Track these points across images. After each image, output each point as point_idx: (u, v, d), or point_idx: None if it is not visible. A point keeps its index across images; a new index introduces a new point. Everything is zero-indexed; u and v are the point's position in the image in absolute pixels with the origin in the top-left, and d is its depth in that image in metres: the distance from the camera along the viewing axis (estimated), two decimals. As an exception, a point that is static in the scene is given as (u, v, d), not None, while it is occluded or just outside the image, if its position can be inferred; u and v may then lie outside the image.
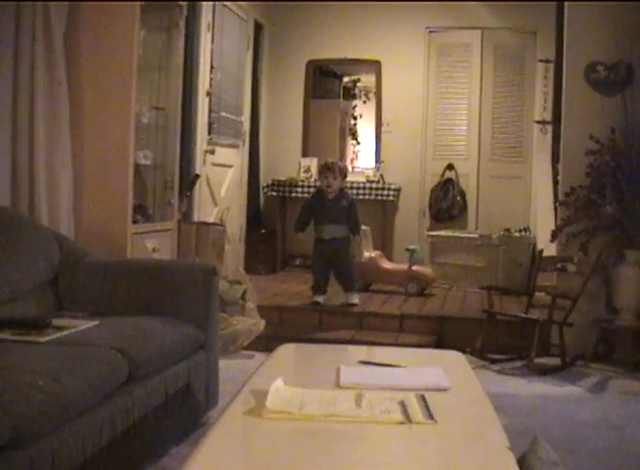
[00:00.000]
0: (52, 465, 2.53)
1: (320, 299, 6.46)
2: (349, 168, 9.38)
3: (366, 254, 7.15)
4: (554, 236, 6.04)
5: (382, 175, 8.69)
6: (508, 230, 7.88)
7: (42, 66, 4.74)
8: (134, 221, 5.24)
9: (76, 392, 2.74)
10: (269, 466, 2.11)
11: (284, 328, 6.16)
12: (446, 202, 8.55)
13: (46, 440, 2.53)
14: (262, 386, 2.65)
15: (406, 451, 2.29)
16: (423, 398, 2.60)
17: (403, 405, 2.51)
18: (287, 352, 3.61)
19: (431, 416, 2.43)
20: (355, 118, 10.55)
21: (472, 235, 7.95)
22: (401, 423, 2.38)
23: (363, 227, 6.71)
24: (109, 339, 3.34)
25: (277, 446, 2.30)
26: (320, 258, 6.44)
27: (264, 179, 8.94)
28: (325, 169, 6.35)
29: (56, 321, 3.55)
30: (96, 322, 3.64)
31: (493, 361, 5.72)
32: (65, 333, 3.42)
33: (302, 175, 8.83)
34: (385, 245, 8.34)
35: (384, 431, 2.38)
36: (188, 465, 2.04)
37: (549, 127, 8.05)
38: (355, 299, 6.47)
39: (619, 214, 5.76)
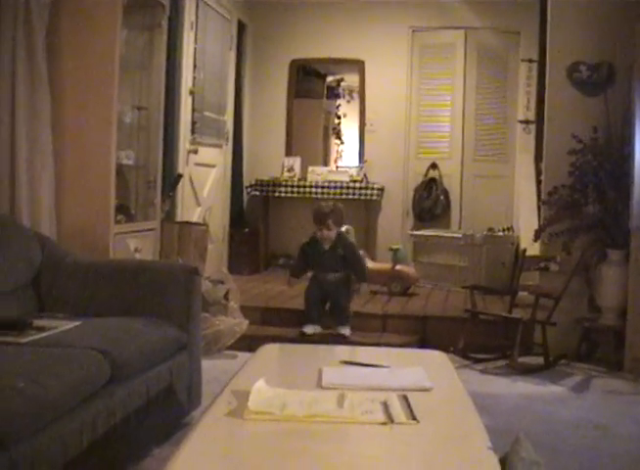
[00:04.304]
0: (32, 468, 2.51)
1: (309, 329, 5.88)
2: (333, 168, 9.41)
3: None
4: (537, 235, 6.05)
5: (365, 175, 8.68)
6: (491, 230, 7.90)
7: (23, 66, 4.70)
8: (116, 221, 5.21)
9: (57, 393, 2.72)
10: (251, 467, 2.10)
11: (267, 328, 6.14)
12: (430, 201, 8.55)
13: (27, 442, 2.51)
14: (244, 386, 2.64)
15: (388, 452, 2.29)
16: (405, 398, 2.60)
17: (385, 406, 2.51)
18: (269, 352, 3.61)
19: (413, 417, 2.43)
20: (339, 118, 10.55)
21: (455, 234, 7.96)
22: (383, 423, 2.38)
23: (346, 227, 6.59)
24: (90, 340, 3.33)
25: (259, 446, 2.29)
26: (316, 290, 5.95)
27: (247, 179, 8.92)
28: (318, 222, 5.83)
29: (37, 322, 3.53)
30: (77, 323, 3.63)
31: (476, 361, 5.72)
32: (46, 334, 3.40)
33: (286, 175, 8.81)
34: (368, 244, 8.33)
35: (366, 431, 2.37)
36: (169, 466, 2.03)
37: (532, 127, 8.08)
38: (347, 331, 5.89)
39: (602, 214, 5.78)
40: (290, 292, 6.65)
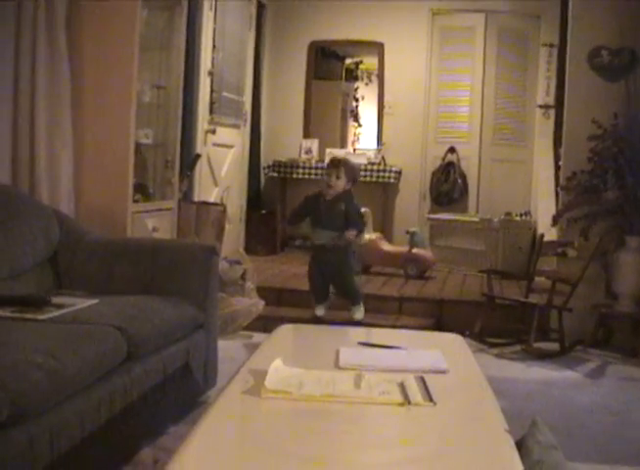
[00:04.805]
0: (50, 443, 2.53)
1: (321, 311, 5.76)
2: (351, 151, 9.39)
3: (366, 236, 7.06)
4: (555, 221, 6.04)
5: (383, 157, 8.67)
6: (509, 214, 7.87)
7: (44, 45, 4.70)
8: (134, 200, 5.22)
9: (75, 370, 2.73)
10: (267, 445, 2.11)
11: (283, 309, 6.15)
12: (447, 185, 8.53)
13: (45, 417, 2.52)
14: (261, 366, 2.65)
15: (405, 432, 2.30)
16: (422, 379, 2.60)
17: (402, 387, 2.51)
18: (286, 332, 3.61)
19: (430, 398, 2.43)
20: (357, 100, 10.54)
21: (472, 218, 7.95)
22: (400, 404, 2.38)
23: (364, 209, 6.53)
24: (108, 317, 3.34)
25: (275, 425, 2.30)
26: (317, 268, 5.76)
27: (265, 160, 8.92)
28: (330, 166, 5.66)
29: (55, 299, 3.54)
30: (95, 301, 3.63)
31: (492, 345, 5.72)
32: (64, 311, 3.41)
33: (303, 156, 8.82)
34: (385, 227, 8.34)
35: (382, 412, 2.38)
36: (186, 444, 2.04)
37: (551, 112, 8.05)
38: (359, 314, 5.74)
39: (621, 200, 5.75)
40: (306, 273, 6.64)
